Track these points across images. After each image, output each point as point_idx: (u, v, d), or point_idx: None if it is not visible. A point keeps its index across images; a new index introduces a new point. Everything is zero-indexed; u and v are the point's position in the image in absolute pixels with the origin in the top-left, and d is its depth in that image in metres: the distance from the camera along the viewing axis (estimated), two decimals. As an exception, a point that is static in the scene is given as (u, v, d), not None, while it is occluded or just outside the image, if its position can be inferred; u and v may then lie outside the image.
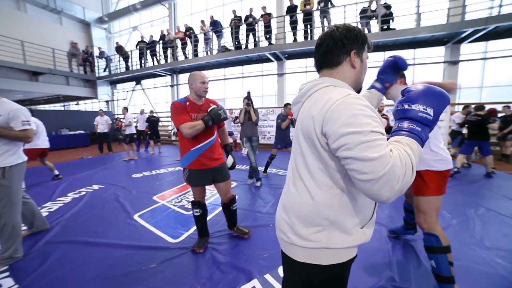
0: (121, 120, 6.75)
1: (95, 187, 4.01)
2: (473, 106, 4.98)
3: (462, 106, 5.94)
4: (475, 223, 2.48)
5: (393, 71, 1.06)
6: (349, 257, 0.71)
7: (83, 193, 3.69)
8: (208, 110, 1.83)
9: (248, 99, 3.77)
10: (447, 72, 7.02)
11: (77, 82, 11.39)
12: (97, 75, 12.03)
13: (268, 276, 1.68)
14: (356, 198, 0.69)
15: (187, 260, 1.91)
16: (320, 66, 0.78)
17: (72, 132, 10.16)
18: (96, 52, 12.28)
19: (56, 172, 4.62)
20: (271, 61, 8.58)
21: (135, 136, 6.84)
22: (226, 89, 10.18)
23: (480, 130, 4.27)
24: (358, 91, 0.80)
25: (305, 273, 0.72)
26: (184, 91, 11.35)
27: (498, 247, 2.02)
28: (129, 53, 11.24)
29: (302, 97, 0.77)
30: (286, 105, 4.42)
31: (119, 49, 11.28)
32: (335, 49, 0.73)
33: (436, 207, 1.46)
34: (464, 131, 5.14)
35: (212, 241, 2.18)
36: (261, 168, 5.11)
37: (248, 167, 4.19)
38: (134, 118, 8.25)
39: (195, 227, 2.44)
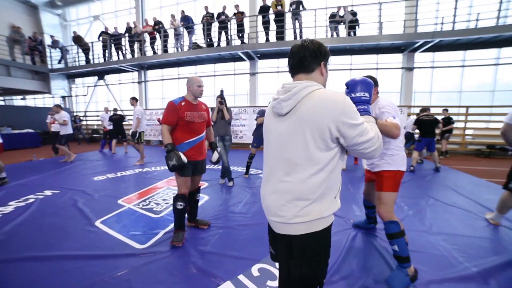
0: (53, 117, 5.95)
1: (47, 192, 3.56)
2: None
3: (418, 108, 6.67)
4: (426, 212, 2.79)
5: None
6: (332, 220, 0.92)
7: (31, 200, 3.24)
8: (170, 151, 1.98)
9: (221, 97, 3.71)
10: (404, 77, 7.77)
11: (23, 74, 9.91)
12: (50, 67, 10.71)
13: (241, 277, 1.67)
14: (336, 175, 0.89)
15: (156, 266, 1.80)
16: (296, 71, 0.94)
17: (17, 131, 8.85)
18: (47, 41, 10.89)
19: (3, 175, 3.99)
20: (244, 60, 8.57)
21: (71, 136, 6.14)
22: (199, 87, 9.89)
23: (433, 129, 4.84)
24: None
25: (306, 242, 0.88)
26: (153, 88, 10.75)
27: (442, 232, 2.32)
28: (90, 44, 10.25)
29: (294, 95, 0.86)
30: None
31: (78, 39, 10.21)
32: (310, 58, 0.90)
33: (394, 200, 1.70)
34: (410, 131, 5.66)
35: (182, 245, 2.10)
36: (236, 168, 5.08)
37: (220, 167, 4.13)
38: (99, 117, 7.49)
39: (164, 231, 2.35)
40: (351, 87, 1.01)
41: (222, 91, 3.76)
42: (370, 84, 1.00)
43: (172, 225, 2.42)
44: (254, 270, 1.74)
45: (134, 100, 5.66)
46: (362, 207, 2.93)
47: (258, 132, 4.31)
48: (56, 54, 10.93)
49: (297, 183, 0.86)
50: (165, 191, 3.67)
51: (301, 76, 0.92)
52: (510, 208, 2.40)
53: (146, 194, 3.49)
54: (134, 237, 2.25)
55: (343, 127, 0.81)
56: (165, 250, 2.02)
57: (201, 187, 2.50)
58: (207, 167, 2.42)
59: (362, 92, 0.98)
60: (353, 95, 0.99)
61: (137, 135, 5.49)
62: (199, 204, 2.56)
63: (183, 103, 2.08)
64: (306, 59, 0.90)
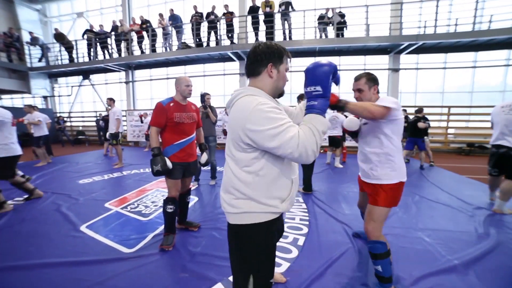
0: (26, 119, 5.60)
1: (29, 197, 3.39)
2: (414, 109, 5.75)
3: (405, 108, 6.86)
4: (412, 209, 2.89)
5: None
6: (264, 219, 0.93)
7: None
8: (156, 155, 1.94)
9: (203, 101, 3.74)
10: (391, 78, 8.01)
11: (-2, 72, 9.30)
12: (29, 65, 10.19)
13: (232, 278, 1.66)
14: (268, 182, 0.91)
15: (145, 270, 1.76)
16: (248, 75, 0.98)
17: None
18: (26, 37, 10.32)
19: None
20: (233, 60, 8.54)
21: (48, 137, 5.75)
22: (188, 87, 9.75)
23: (416, 129, 5.03)
24: (280, 95, 1.02)
25: (236, 232, 0.96)
26: (141, 89, 10.50)
27: (427, 228, 2.41)
28: (74, 43, 9.86)
29: (230, 103, 0.96)
30: None
31: (60, 37, 9.79)
32: (256, 62, 0.93)
33: (387, 216, 1.51)
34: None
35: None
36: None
37: (209, 168, 4.10)
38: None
39: (153, 234, 2.31)
40: (305, 78, 0.89)
41: (203, 95, 3.78)
42: (324, 73, 0.84)
43: (161, 228, 2.38)
44: (246, 270, 1.73)
45: (111, 101, 5.51)
46: (351, 205, 3.00)
47: None
48: (36, 51, 10.42)
49: (228, 177, 0.96)
50: (154, 193, 3.59)
51: (250, 80, 0.97)
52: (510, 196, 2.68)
53: (135, 197, 3.41)
54: (122, 241, 2.18)
55: (249, 134, 0.83)
56: (155, 253, 1.98)
57: (191, 189, 2.46)
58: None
59: (313, 85, 0.86)
60: (305, 89, 0.89)
61: (119, 136, 5.43)
62: (189, 205, 2.53)
63: (171, 104, 2.04)
64: (253, 62, 0.94)
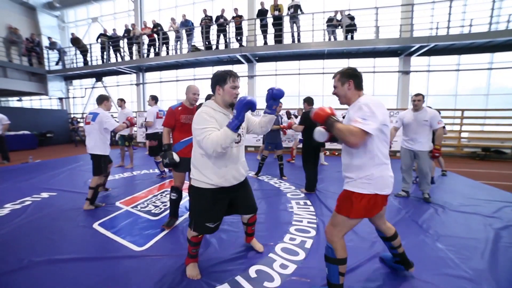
0: None
1: (44, 195, 3.54)
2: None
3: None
4: (422, 214, 2.82)
5: (273, 99, 1.66)
6: (209, 187, 1.54)
7: (28, 202, 3.21)
8: (166, 150, 2.34)
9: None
10: (401, 81, 7.87)
11: (20, 75, 9.86)
12: (47, 68, 10.67)
13: (239, 278, 1.67)
14: (210, 159, 1.51)
15: (153, 268, 1.80)
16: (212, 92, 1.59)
17: (13, 133, 8.72)
18: (45, 42, 10.84)
19: None
20: (242, 63, 8.62)
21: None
22: (197, 89, 9.91)
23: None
24: (231, 105, 1.55)
25: (192, 190, 1.62)
26: (150, 91, 10.74)
27: (438, 234, 2.35)
28: (88, 46, 10.23)
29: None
30: None
31: (76, 41, 10.20)
32: (211, 85, 1.56)
33: (346, 226, 1.40)
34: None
35: (178, 246, 2.09)
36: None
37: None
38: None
39: (162, 234, 2.36)
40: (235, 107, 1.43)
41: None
42: (242, 104, 1.34)
43: (171, 228, 2.45)
44: (252, 271, 1.75)
45: (122, 102, 5.43)
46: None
47: (270, 135, 4.38)
48: (53, 55, 10.90)
49: (194, 157, 1.59)
50: (164, 193, 3.66)
51: (212, 96, 1.60)
52: None
53: (145, 196, 3.48)
54: (132, 239, 2.24)
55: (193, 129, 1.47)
56: (163, 252, 2.02)
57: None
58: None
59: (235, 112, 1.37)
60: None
61: (133, 138, 5.50)
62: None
63: (179, 108, 2.43)
64: (211, 86, 1.56)
